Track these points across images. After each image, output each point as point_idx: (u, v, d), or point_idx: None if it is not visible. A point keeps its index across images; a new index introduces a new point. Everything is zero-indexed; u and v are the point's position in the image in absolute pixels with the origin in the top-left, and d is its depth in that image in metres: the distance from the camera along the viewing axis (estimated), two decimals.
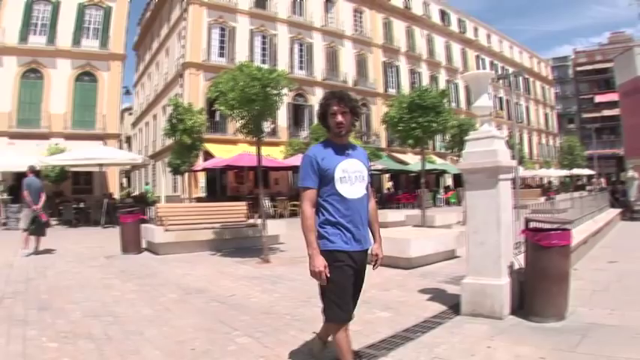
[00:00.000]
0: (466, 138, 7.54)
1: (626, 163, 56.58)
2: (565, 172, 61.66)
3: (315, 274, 4.10)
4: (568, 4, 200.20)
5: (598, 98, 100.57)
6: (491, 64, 71.42)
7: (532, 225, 7.13)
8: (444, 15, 64.88)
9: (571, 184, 63.91)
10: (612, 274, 9.85)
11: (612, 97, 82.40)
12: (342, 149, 4.42)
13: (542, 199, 26.38)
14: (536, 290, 6.73)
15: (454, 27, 66.53)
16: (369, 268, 4.62)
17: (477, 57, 69.07)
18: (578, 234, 11.93)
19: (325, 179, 4.25)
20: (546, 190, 51.89)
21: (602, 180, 65.15)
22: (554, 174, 65.16)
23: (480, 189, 7.06)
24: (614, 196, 24.88)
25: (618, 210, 22.65)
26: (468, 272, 7.11)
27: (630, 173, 37.06)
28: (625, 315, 6.83)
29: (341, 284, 4.21)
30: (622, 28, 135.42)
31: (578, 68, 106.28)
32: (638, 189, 39.35)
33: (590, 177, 67.99)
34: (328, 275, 4.09)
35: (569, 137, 67.31)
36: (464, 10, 70.90)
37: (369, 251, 4.58)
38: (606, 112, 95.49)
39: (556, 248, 6.64)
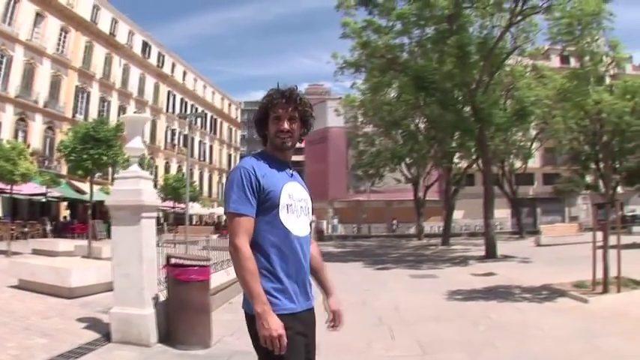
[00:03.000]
0: (116, 176, 8.16)
1: None
2: None
3: (270, 339, 2.81)
4: (274, 52, 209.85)
5: None
6: (182, 101, 71.72)
7: (173, 261, 7.85)
8: (145, 47, 64.25)
9: None
10: None
11: (299, 144, 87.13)
12: (284, 167, 3.30)
13: (215, 236, 27.62)
14: (179, 321, 7.42)
15: (153, 60, 66.00)
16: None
17: (169, 92, 68.86)
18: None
19: (265, 205, 3.06)
20: (220, 227, 53.58)
21: None
22: None
23: (125, 225, 7.58)
24: None
25: None
26: (115, 302, 7.58)
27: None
28: None
29: None
30: (322, 81, 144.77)
31: None
32: (315, 231, 42.31)
33: None
34: (286, 341, 2.85)
35: None
36: (166, 45, 70.95)
37: (326, 307, 3.50)
38: (292, 158, 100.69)
39: (195, 283, 7.43)
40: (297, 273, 3.07)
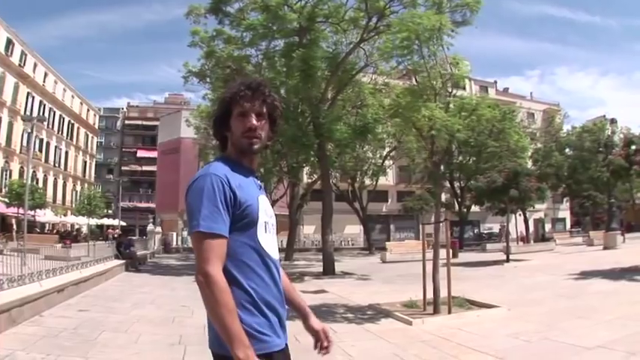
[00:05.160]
0: None
1: (157, 217, 60.04)
2: (96, 221, 63.15)
3: None
4: (142, 59, 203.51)
5: (140, 153, 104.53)
6: (41, 103, 68.12)
7: None
8: (9, 44, 60.33)
9: (101, 233, 65.21)
10: (74, 322, 10.29)
11: (154, 153, 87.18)
12: (252, 175, 2.70)
13: (59, 245, 26.84)
14: None
15: (16, 58, 62.19)
16: None
17: (29, 94, 65.18)
18: (54, 282, 12.59)
19: (242, 223, 2.48)
20: (65, 236, 51.92)
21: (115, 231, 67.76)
22: (83, 222, 64.93)
23: None
24: (119, 248, 26.00)
25: (122, 261, 24.23)
26: None
27: (150, 227, 39.25)
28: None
29: None
30: (183, 92, 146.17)
31: (128, 122, 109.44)
32: (161, 242, 41.84)
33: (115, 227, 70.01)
34: None
35: (90, 187, 71.56)
36: (31, 44, 67.18)
37: (309, 330, 2.97)
38: (146, 167, 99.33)
39: None
40: (276, 302, 2.54)
